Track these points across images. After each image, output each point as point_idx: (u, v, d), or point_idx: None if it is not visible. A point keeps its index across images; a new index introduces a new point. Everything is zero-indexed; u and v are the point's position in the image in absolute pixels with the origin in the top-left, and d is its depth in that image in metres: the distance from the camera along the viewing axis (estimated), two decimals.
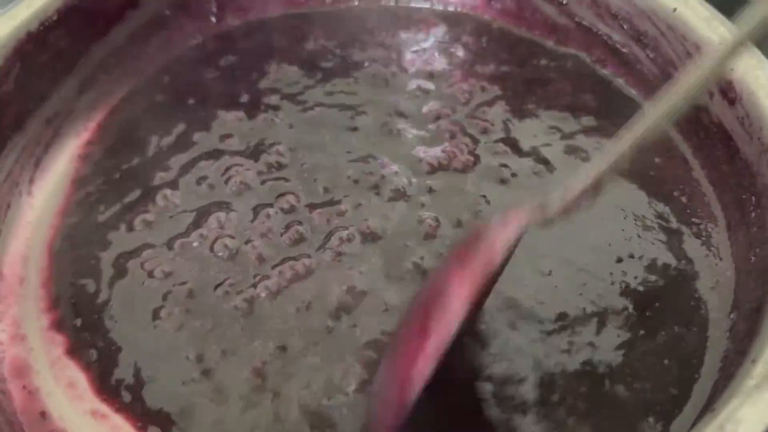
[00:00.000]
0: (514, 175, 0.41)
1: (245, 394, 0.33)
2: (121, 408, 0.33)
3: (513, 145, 0.43)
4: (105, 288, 0.37)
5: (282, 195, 0.40)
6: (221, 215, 0.39)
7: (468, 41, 0.50)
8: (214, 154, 0.43)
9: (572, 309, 0.35)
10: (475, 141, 0.43)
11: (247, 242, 0.38)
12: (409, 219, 0.39)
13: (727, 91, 0.39)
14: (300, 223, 0.39)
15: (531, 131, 0.44)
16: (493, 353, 0.34)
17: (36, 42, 0.41)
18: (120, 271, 0.38)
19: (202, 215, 0.40)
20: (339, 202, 0.40)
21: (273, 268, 0.37)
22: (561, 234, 0.38)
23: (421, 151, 0.42)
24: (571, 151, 0.42)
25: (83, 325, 0.36)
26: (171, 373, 0.34)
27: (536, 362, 0.34)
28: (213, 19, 0.50)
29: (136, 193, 0.41)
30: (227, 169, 0.42)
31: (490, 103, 0.45)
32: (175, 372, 0.34)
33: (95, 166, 0.43)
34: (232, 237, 0.39)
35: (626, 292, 0.36)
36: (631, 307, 0.35)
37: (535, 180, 0.41)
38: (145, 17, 0.47)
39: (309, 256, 0.38)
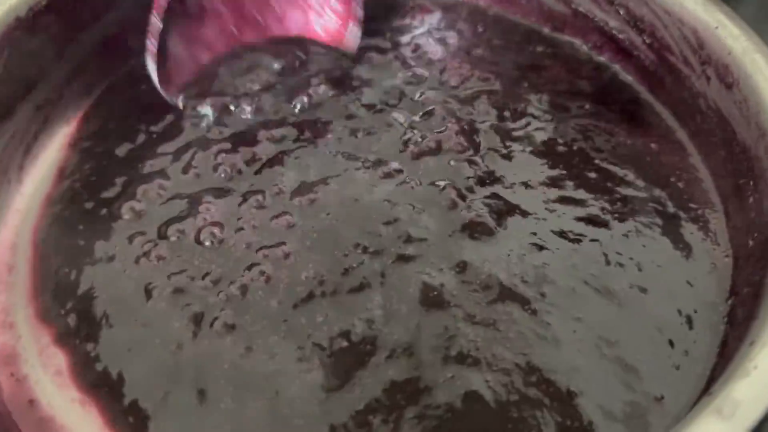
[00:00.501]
0: (507, 158, 0.41)
1: (225, 390, 0.32)
2: (100, 399, 0.33)
3: (506, 130, 0.42)
4: (89, 277, 0.37)
5: (272, 183, 0.40)
6: (209, 204, 0.39)
7: (463, 28, 0.49)
8: (203, 142, 0.42)
9: (564, 287, 0.35)
10: (470, 126, 0.42)
11: (235, 231, 0.38)
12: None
13: (725, 76, 0.38)
14: (288, 211, 0.38)
15: (525, 117, 0.43)
16: None
17: (25, 28, 0.41)
18: (106, 260, 0.37)
19: (190, 204, 0.39)
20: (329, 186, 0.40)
21: (261, 257, 0.36)
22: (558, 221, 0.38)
23: (415, 136, 0.42)
24: (564, 136, 0.42)
25: (68, 314, 0.36)
26: (151, 366, 0.33)
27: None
28: None
29: (124, 181, 0.40)
30: (216, 157, 0.41)
31: (485, 89, 0.45)
32: (156, 364, 0.33)
33: (84, 154, 0.43)
34: (220, 226, 0.38)
35: (622, 275, 0.36)
36: (627, 290, 0.35)
37: (528, 163, 0.41)
38: (135, 4, 0.46)
39: (297, 243, 0.37)
